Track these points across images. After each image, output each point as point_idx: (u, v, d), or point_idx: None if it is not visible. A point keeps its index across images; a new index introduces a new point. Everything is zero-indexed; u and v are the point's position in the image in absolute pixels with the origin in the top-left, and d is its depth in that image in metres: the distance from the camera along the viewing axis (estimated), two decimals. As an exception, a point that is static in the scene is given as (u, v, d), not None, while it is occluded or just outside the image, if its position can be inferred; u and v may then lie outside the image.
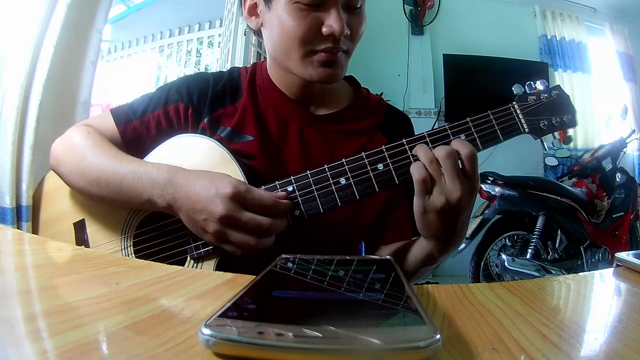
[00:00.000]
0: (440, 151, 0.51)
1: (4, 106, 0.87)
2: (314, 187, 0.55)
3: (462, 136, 0.55)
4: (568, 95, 0.61)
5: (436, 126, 2.94)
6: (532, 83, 0.60)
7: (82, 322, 0.25)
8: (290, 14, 0.59)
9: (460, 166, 0.51)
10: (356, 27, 0.63)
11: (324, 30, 0.59)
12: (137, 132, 0.68)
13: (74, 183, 0.64)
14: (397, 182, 0.55)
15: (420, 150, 0.53)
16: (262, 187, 0.56)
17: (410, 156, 0.55)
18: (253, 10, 0.67)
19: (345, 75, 0.77)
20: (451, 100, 2.92)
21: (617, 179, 2.35)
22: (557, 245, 2.29)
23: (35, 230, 0.74)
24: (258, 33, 0.69)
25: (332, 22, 0.58)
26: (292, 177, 0.56)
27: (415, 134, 0.57)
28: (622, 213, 2.26)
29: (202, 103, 0.69)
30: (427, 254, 0.58)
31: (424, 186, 0.50)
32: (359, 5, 0.62)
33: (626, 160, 2.63)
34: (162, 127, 0.68)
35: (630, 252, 0.42)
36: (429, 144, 0.55)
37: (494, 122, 0.56)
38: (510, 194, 2.19)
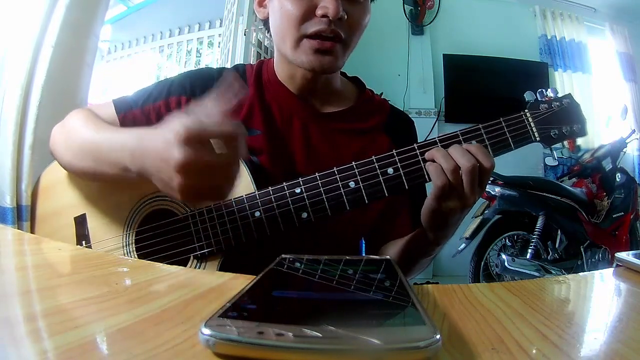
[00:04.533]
0: (465, 162, 0.51)
1: (4, 106, 0.87)
2: (322, 189, 0.55)
3: (474, 142, 0.55)
4: (579, 104, 0.60)
5: (436, 126, 2.97)
6: (543, 90, 0.60)
7: (82, 322, 0.25)
8: None
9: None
10: (356, 17, 0.62)
11: (318, 12, 0.59)
12: (137, 121, 0.68)
13: (64, 158, 0.64)
14: (406, 187, 0.54)
15: (439, 156, 0.52)
16: (270, 188, 0.56)
17: (421, 161, 0.54)
18: (263, 1, 0.69)
19: (350, 76, 0.77)
20: (451, 100, 2.91)
21: (617, 179, 2.35)
22: (557, 245, 2.29)
23: (32, 225, 0.72)
24: (265, 25, 0.70)
25: (326, 2, 0.58)
26: (300, 180, 0.55)
27: (416, 134, 0.56)
28: (622, 213, 2.26)
29: (205, 97, 0.69)
30: (426, 245, 0.60)
31: (443, 192, 0.51)
32: None
33: (626, 160, 2.63)
34: (163, 118, 0.68)
35: (630, 252, 0.42)
36: None
37: (506, 130, 0.56)
38: (510, 194, 2.19)
